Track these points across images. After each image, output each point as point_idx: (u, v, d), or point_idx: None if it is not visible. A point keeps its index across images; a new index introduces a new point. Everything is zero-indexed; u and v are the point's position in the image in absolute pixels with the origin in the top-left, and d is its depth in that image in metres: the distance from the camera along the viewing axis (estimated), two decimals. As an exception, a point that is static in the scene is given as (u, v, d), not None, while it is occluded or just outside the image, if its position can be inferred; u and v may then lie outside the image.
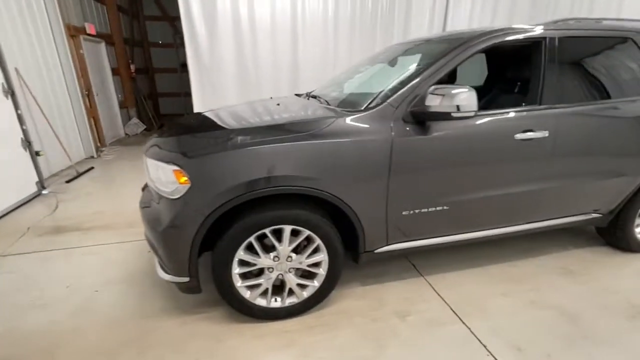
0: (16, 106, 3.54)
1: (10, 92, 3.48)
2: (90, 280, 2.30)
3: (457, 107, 1.62)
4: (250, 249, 1.73)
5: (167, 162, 1.59)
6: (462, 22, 5.83)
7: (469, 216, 2.01)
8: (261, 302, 1.83)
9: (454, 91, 1.58)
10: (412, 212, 1.86)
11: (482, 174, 1.90)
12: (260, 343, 1.76)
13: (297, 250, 1.80)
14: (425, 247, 2.05)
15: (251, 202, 1.67)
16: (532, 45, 2.02)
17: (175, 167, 1.56)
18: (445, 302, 2.04)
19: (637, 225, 2.47)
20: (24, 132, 3.65)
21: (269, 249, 1.76)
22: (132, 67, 7.31)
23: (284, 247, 1.74)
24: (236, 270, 1.72)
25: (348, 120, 1.72)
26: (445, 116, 1.63)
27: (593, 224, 2.42)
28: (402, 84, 1.80)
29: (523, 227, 2.19)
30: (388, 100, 1.76)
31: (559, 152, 1.99)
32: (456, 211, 1.95)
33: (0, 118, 3.37)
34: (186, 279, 1.71)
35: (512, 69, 2.40)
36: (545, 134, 1.92)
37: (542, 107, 1.95)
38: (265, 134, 1.64)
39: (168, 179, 1.59)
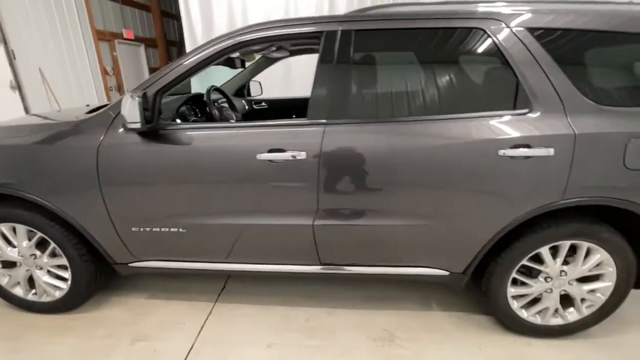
0: (23, 98, 4.44)
1: (17, 87, 4.38)
2: None
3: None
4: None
5: None
6: None
7: (221, 244, 1.71)
8: (19, 292, 1.93)
9: (123, 99, 1.37)
10: (142, 229, 1.68)
11: (222, 198, 1.59)
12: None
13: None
14: (188, 270, 1.84)
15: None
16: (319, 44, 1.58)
17: None
18: (198, 336, 1.80)
19: (516, 297, 1.72)
20: (29, 119, 4.54)
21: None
22: (170, 66, 8.29)
23: (19, 244, 1.79)
24: (-14, 258, 1.85)
25: (65, 126, 1.65)
26: (124, 126, 1.43)
27: (442, 282, 1.78)
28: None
29: (316, 269, 1.75)
30: (109, 107, 1.63)
31: (330, 182, 1.52)
32: (197, 236, 1.68)
33: (7, 107, 4.28)
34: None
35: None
36: (302, 155, 1.49)
37: (303, 122, 1.52)
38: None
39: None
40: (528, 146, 1.42)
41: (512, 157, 1.42)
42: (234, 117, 2.24)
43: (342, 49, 1.50)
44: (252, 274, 1.80)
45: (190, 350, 1.71)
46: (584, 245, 1.57)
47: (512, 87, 1.48)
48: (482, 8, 1.50)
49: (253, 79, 3.08)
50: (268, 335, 1.80)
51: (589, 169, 1.42)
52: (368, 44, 1.52)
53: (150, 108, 1.52)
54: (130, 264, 1.84)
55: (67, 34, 5.35)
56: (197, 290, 2.15)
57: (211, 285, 2.20)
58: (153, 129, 1.51)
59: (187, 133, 1.57)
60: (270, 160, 1.51)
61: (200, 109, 2.10)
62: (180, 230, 1.67)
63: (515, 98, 1.48)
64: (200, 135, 1.57)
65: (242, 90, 3.07)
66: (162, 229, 1.68)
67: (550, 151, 1.41)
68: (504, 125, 1.45)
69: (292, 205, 1.58)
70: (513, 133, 1.43)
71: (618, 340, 1.76)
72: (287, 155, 1.50)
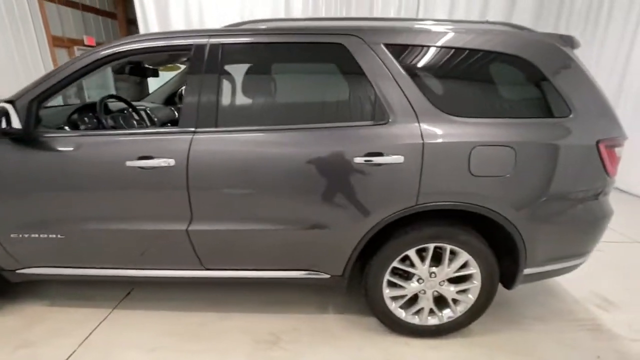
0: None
1: (-42, 93, 4.31)
2: None
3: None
4: None
5: None
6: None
7: (102, 250, 1.73)
8: None
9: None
10: (20, 235, 1.69)
11: (95, 205, 1.62)
12: None
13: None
14: (78, 277, 1.85)
15: None
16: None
17: None
18: (84, 342, 1.80)
19: (394, 299, 1.80)
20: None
21: None
22: (136, 73, 8.31)
23: None
24: None
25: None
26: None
27: (325, 284, 1.83)
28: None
29: (200, 274, 1.79)
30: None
31: (199, 188, 1.57)
32: (76, 242, 1.70)
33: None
34: None
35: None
36: (170, 162, 1.54)
37: (173, 130, 1.58)
38: None
39: None
40: (380, 154, 1.50)
41: (366, 164, 1.51)
42: (135, 125, 2.28)
43: (210, 61, 1.56)
44: (139, 280, 1.83)
45: (69, 356, 1.71)
46: (447, 247, 1.65)
47: (372, 100, 1.57)
48: (342, 24, 1.60)
49: (184, 87, 3.13)
50: (155, 339, 1.82)
51: (437, 175, 1.52)
52: (235, 57, 1.59)
53: (24, 116, 1.56)
54: (17, 271, 1.84)
55: (20, 39, 5.31)
56: (99, 297, 2.15)
57: (115, 292, 2.20)
58: (19, 136, 1.54)
59: (62, 140, 1.60)
60: (140, 167, 1.56)
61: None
62: (59, 236, 1.69)
63: (374, 110, 1.57)
64: (73, 142, 1.60)
65: (173, 98, 3.12)
66: (41, 235, 1.69)
67: (400, 159, 1.49)
68: (361, 135, 1.54)
69: (165, 211, 1.62)
70: (367, 142, 1.52)
71: (493, 339, 1.84)
72: (155, 162, 1.54)
